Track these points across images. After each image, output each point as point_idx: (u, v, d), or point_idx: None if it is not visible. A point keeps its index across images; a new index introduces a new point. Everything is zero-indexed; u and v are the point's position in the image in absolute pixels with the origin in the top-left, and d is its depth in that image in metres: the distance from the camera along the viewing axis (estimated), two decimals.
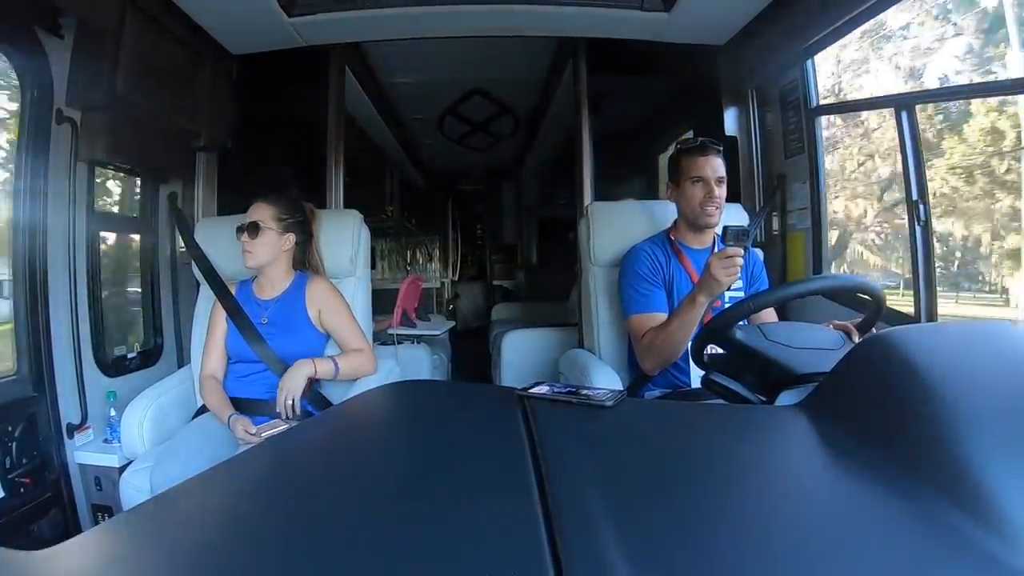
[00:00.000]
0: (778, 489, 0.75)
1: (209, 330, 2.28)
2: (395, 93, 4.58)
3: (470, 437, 0.93)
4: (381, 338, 3.46)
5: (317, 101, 3.31)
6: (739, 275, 1.83)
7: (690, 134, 3.74)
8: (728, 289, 1.99)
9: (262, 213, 2.22)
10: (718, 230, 2.11)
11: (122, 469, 2.12)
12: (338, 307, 2.27)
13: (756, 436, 0.93)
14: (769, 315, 2.11)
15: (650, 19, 2.74)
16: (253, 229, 2.20)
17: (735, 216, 2.50)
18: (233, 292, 2.29)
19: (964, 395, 0.72)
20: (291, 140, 4.18)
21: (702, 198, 2.11)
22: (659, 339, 2.00)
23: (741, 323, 1.46)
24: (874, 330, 1.50)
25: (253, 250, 2.20)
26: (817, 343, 1.34)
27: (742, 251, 1.75)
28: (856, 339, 1.46)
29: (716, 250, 1.97)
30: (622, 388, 2.19)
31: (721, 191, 2.12)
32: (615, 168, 4.16)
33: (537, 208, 7.15)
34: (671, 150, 2.28)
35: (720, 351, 1.44)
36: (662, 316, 2.07)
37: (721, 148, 2.15)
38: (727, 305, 2.09)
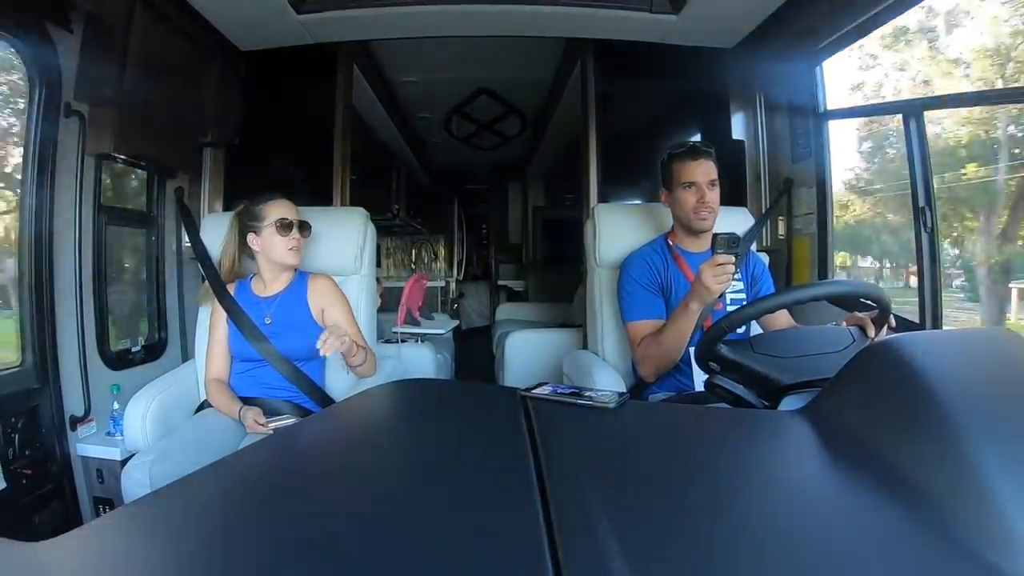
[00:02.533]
0: (779, 494, 0.75)
1: (211, 332, 2.28)
2: (402, 92, 4.59)
3: (472, 436, 0.94)
4: (385, 336, 3.46)
5: (324, 98, 3.31)
6: (737, 278, 1.82)
7: (697, 137, 3.74)
8: (727, 293, 1.99)
9: (297, 213, 2.25)
10: None
11: (124, 462, 2.12)
12: (342, 306, 2.26)
13: (758, 441, 0.93)
14: (782, 318, 2.11)
15: (659, 21, 2.73)
16: (307, 228, 2.25)
17: (738, 220, 2.50)
18: (232, 292, 2.28)
19: (967, 402, 0.72)
20: (298, 137, 4.19)
21: (695, 203, 2.10)
22: (654, 346, 2.00)
23: (741, 331, 1.45)
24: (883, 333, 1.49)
25: (302, 248, 2.24)
26: (816, 347, 1.33)
27: (732, 259, 1.74)
28: (871, 333, 1.45)
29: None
30: (625, 390, 2.18)
31: (714, 195, 2.10)
32: (622, 170, 4.15)
33: (543, 209, 7.14)
34: None
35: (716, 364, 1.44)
36: (659, 322, 2.06)
37: (712, 150, 2.13)
38: (729, 308, 2.08)
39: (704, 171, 2.09)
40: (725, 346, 1.36)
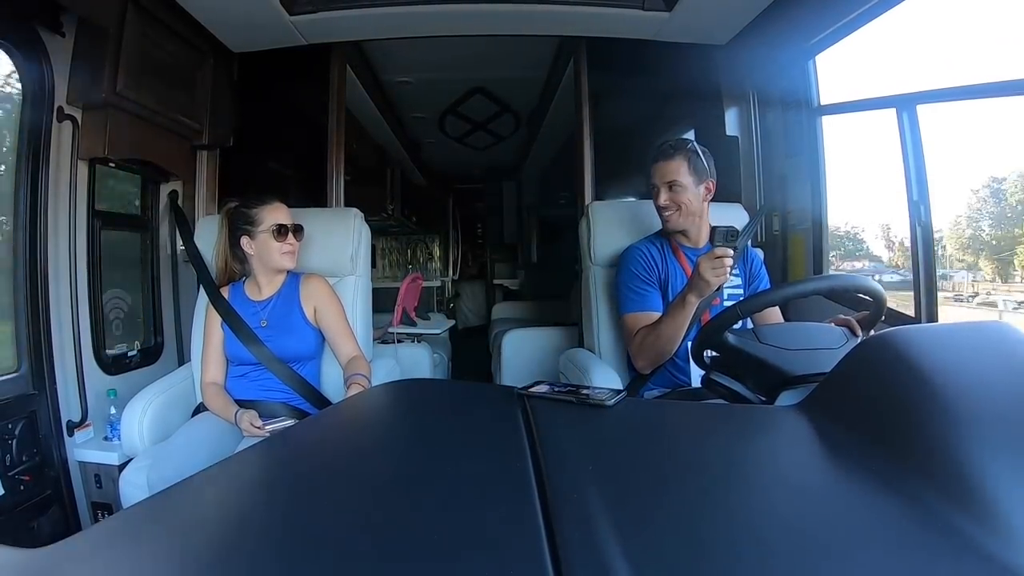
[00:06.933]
0: (777, 489, 0.75)
1: (206, 336, 2.27)
2: (396, 91, 4.58)
3: (470, 436, 0.94)
4: (382, 337, 3.46)
5: (318, 99, 3.31)
6: (732, 274, 1.83)
7: (691, 133, 3.74)
8: (724, 288, 2.00)
9: (291, 216, 2.25)
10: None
11: (122, 467, 2.12)
12: (334, 308, 2.26)
13: (755, 436, 0.93)
14: (774, 314, 2.11)
15: (651, 18, 2.73)
16: (301, 231, 2.26)
17: (733, 216, 2.50)
18: (226, 296, 2.28)
19: (964, 396, 0.72)
20: (292, 138, 4.18)
21: (658, 204, 2.16)
22: (651, 338, 2.00)
23: (737, 326, 1.46)
24: (873, 332, 1.50)
25: (297, 252, 2.25)
26: (816, 343, 1.34)
27: (731, 252, 1.76)
28: (859, 332, 1.46)
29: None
30: (622, 387, 2.18)
31: (674, 194, 2.13)
32: (616, 167, 4.15)
33: (538, 207, 7.12)
34: None
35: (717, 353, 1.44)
36: (656, 315, 2.07)
37: (676, 149, 2.14)
38: (727, 304, 2.09)
39: (661, 173, 2.15)
40: (732, 335, 1.37)
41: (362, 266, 2.53)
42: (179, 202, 2.83)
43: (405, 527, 0.64)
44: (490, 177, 7.71)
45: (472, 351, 5.95)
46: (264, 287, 2.26)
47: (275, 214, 2.20)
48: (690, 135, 3.73)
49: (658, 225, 2.35)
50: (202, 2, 2.50)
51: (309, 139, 3.58)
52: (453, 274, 7.98)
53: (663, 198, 2.14)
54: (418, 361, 3.46)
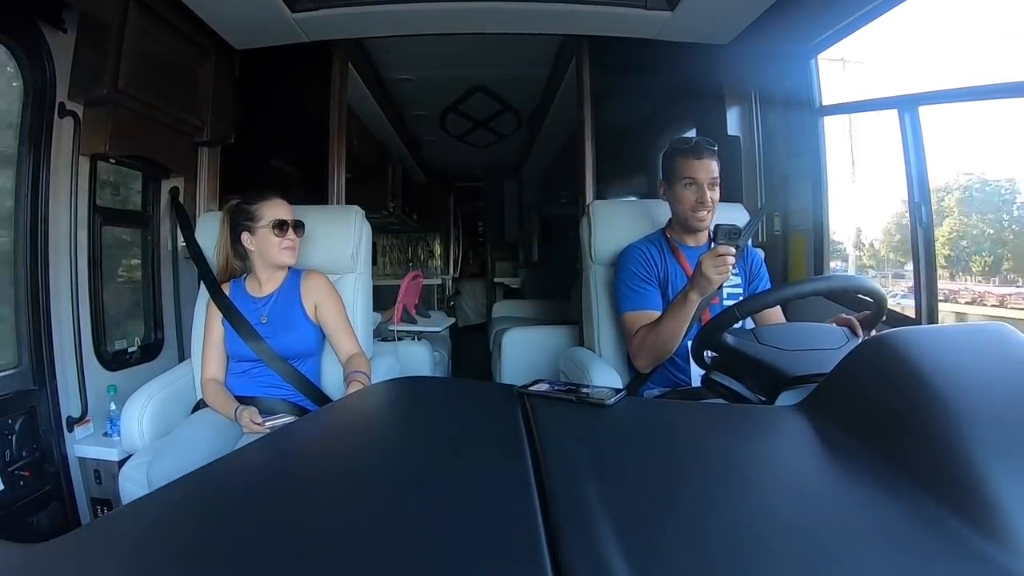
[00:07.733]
0: (776, 489, 0.75)
1: (206, 333, 2.27)
2: (398, 89, 4.58)
3: (470, 434, 0.94)
4: (382, 334, 3.46)
5: (319, 96, 3.31)
6: (733, 273, 1.83)
7: (693, 133, 3.73)
8: (724, 287, 1.99)
9: (292, 212, 2.24)
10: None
11: (121, 463, 2.13)
12: (335, 305, 2.26)
13: (755, 436, 0.93)
14: (775, 314, 2.11)
15: (653, 17, 2.73)
16: (301, 228, 2.25)
17: (734, 216, 2.49)
18: (227, 292, 2.27)
19: (965, 398, 0.72)
20: (293, 135, 4.18)
21: (694, 202, 2.10)
22: (651, 336, 1.99)
23: (737, 326, 1.46)
24: (874, 331, 1.50)
25: (297, 248, 2.24)
26: (816, 343, 1.34)
27: (733, 250, 1.75)
28: (860, 332, 1.46)
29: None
30: (622, 386, 2.18)
31: (714, 194, 2.10)
32: (617, 166, 4.15)
33: (539, 206, 7.12)
34: None
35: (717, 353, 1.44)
36: (655, 314, 2.06)
37: (716, 148, 2.12)
38: (726, 303, 2.08)
39: (706, 169, 2.08)
40: (731, 335, 1.37)
41: (363, 263, 2.53)
42: (180, 199, 2.83)
43: (404, 525, 0.64)
44: (491, 175, 7.70)
45: (472, 349, 5.96)
46: (265, 283, 2.26)
47: (275, 210, 2.19)
48: (691, 135, 3.72)
49: (658, 224, 2.34)
50: None
51: (310, 136, 3.58)
52: (454, 272, 7.99)
53: (709, 195, 2.08)
54: (418, 359, 3.46)
